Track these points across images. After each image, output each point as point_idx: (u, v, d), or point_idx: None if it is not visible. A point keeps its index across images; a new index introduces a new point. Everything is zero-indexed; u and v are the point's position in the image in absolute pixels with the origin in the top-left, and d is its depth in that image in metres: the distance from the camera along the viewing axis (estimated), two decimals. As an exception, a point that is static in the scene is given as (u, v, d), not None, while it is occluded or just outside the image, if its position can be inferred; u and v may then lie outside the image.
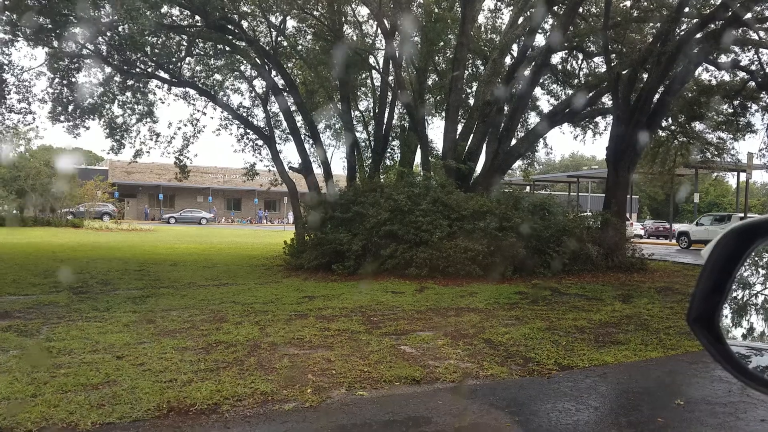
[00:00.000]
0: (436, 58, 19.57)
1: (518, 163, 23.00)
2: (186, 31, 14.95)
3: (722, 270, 0.97)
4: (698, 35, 13.98)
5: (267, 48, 15.19)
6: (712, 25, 14.29)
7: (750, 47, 18.50)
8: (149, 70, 14.67)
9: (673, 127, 21.33)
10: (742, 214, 26.79)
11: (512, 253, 12.14)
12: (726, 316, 1.01)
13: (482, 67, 19.30)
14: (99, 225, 32.92)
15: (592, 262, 12.81)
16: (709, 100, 19.53)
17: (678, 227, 29.84)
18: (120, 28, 11.38)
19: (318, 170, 16.96)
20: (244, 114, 16.31)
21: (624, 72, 15.12)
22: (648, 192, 54.98)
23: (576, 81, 19.87)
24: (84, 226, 31.68)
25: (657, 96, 15.31)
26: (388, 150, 20.11)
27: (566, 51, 19.04)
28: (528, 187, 52.15)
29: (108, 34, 12.48)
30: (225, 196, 55.22)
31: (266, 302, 8.36)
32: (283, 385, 4.06)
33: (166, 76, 14.95)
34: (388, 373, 4.46)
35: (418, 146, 18.48)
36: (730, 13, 12.58)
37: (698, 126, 21.28)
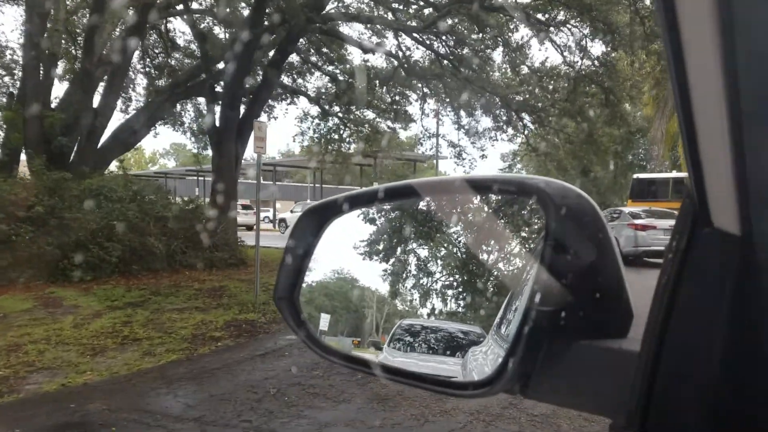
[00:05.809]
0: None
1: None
2: None
3: (302, 249, 0.98)
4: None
5: None
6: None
7: (401, 34, 18.59)
8: None
9: (340, 114, 20.71)
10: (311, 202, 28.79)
11: (34, 252, 9.25)
12: (305, 293, 1.00)
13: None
14: None
15: (163, 259, 10.58)
16: (368, 87, 19.27)
17: (280, 215, 31.76)
18: None
19: None
20: None
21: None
22: (377, 180, 57.29)
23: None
24: None
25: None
26: None
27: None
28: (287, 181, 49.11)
29: None
30: None
31: None
32: None
33: None
34: None
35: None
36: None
37: (370, 114, 21.05)
